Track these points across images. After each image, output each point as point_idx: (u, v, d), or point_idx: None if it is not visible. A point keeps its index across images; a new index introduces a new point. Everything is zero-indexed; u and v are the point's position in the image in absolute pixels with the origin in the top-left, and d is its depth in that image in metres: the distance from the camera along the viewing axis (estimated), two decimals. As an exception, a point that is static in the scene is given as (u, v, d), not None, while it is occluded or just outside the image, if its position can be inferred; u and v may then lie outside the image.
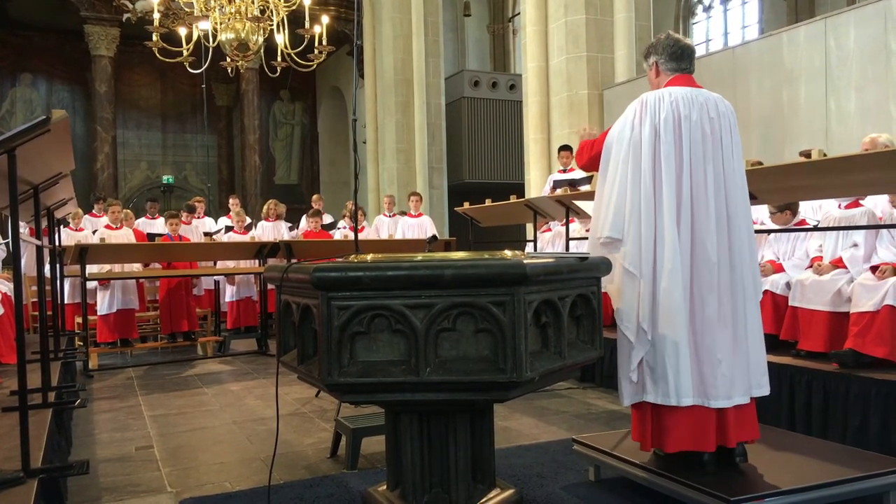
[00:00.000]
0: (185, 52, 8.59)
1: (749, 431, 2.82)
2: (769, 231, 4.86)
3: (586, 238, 6.81)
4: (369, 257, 2.38)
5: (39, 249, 3.84)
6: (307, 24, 8.40)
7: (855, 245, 4.31)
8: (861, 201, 4.51)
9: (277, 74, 9.55)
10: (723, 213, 2.76)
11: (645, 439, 2.87)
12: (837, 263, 4.30)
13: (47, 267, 5.71)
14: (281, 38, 8.79)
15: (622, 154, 2.80)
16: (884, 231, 4.23)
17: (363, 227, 10.34)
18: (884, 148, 4.16)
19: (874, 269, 4.02)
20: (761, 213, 5.16)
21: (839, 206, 4.60)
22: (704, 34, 17.30)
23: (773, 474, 2.74)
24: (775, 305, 4.51)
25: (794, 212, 4.76)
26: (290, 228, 10.14)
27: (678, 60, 2.90)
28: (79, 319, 7.19)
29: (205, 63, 8.89)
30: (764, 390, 2.82)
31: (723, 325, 2.73)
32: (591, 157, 3.00)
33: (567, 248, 6.30)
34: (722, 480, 2.68)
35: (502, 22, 18.99)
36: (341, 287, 2.14)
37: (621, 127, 2.85)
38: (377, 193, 14.70)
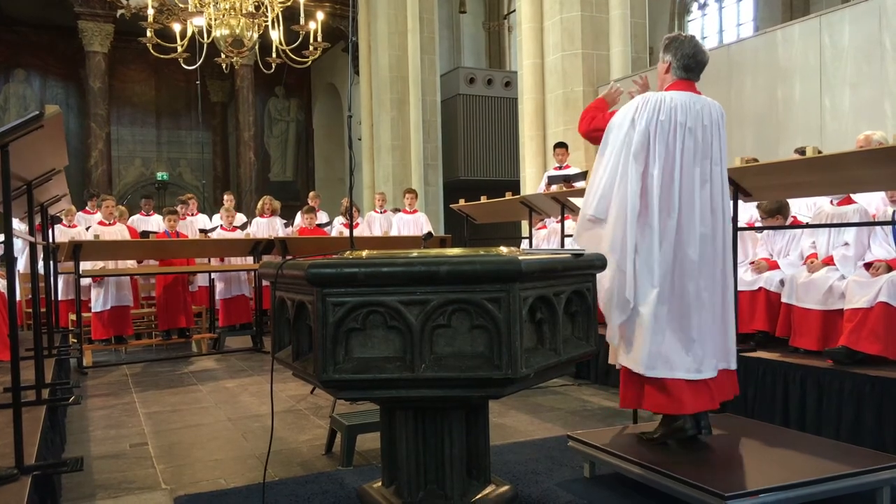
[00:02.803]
0: (179, 49, 8.56)
1: (729, 390, 3.14)
2: (763, 228, 4.87)
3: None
4: (364, 254, 2.37)
5: (33, 246, 3.82)
6: (302, 21, 8.39)
7: (846, 244, 4.32)
8: (854, 198, 4.52)
9: (272, 71, 9.54)
10: (707, 210, 3.04)
11: (627, 399, 3.12)
12: (829, 262, 4.32)
13: (41, 263, 5.69)
14: (276, 35, 8.77)
15: (618, 143, 3.05)
16: (878, 228, 4.24)
17: (357, 224, 10.33)
18: (878, 145, 4.17)
19: (868, 265, 4.03)
20: (756, 213, 5.16)
21: (831, 202, 4.61)
22: (699, 31, 17.32)
23: (768, 470, 2.75)
24: (769, 303, 4.52)
25: (785, 216, 4.76)
26: (285, 225, 10.13)
27: (688, 71, 3.14)
28: (73, 316, 7.17)
29: (199, 59, 8.86)
30: (734, 364, 3.13)
31: (699, 308, 3.00)
32: (589, 130, 3.27)
33: (562, 244, 6.30)
34: (716, 476, 2.69)
35: (498, 19, 18.98)
36: (336, 283, 2.14)
37: (622, 117, 3.08)
38: (373, 190, 14.67)
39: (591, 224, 3.10)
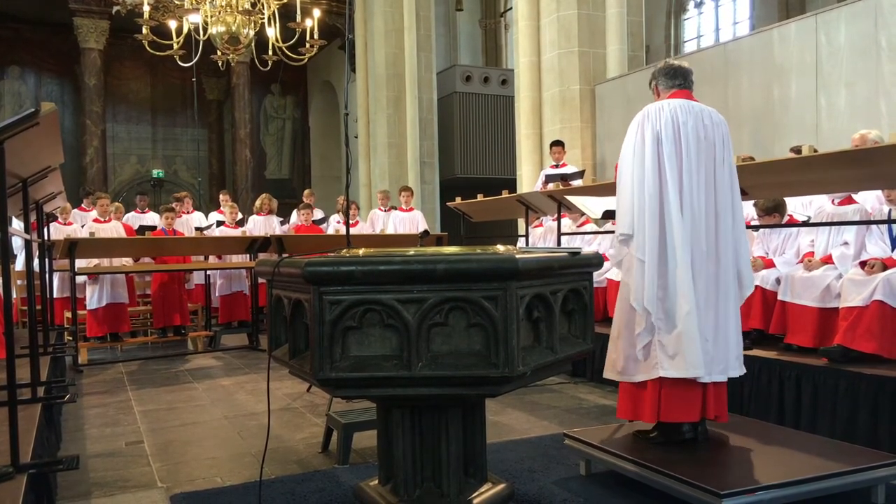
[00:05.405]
0: (175, 46, 8.53)
1: (722, 409, 3.10)
2: (759, 227, 4.88)
3: (578, 233, 6.85)
4: (361, 252, 2.37)
5: (28, 244, 3.81)
6: (298, 18, 8.37)
7: (846, 243, 4.33)
8: (854, 198, 4.52)
9: (268, 68, 9.50)
10: (711, 210, 3.10)
11: (643, 412, 3.07)
12: (827, 261, 4.32)
13: (36, 261, 5.66)
14: (272, 32, 8.75)
15: (627, 160, 3.13)
16: (873, 227, 4.25)
17: (357, 222, 10.31)
18: (873, 144, 4.18)
19: (863, 264, 4.04)
20: (753, 211, 5.17)
21: (832, 202, 4.61)
22: (696, 30, 17.32)
23: (763, 468, 2.76)
24: (764, 300, 4.53)
25: (782, 214, 4.77)
26: (282, 223, 10.11)
27: (672, 78, 3.25)
28: (68, 314, 7.16)
29: (195, 56, 8.83)
30: (740, 371, 3.12)
31: (708, 309, 3.05)
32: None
33: (559, 242, 6.30)
34: (712, 474, 2.69)
35: (494, 17, 18.95)
36: (333, 281, 2.13)
37: (631, 136, 3.17)
38: (369, 188, 14.66)
39: (622, 245, 3.11)
